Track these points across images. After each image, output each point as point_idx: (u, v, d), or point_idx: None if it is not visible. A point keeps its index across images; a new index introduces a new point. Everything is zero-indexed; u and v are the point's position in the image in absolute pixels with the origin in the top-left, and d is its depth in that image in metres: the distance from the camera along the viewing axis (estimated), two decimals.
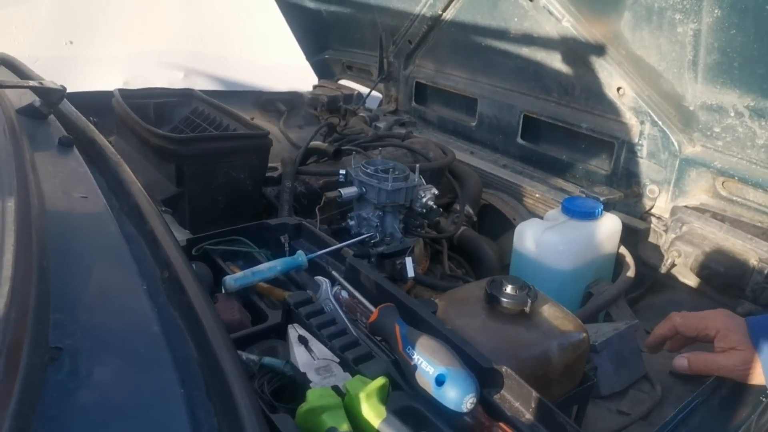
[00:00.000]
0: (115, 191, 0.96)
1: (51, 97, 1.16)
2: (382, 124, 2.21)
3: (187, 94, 1.93)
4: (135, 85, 1.96)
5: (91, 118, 1.43)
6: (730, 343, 0.96)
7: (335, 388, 0.67)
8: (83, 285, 0.69)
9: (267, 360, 0.74)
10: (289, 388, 0.72)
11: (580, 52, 1.67)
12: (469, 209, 1.70)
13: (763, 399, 0.99)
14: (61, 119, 1.23)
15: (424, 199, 1.43)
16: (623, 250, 1.48)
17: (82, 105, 1.39)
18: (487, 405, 0.70)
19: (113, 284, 0.72)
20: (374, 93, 2.49)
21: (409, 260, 1.24)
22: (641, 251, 1.57)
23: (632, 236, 1.56)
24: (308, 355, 0.73)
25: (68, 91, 1.32)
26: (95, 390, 0.54)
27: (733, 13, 1.27)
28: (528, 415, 0.69)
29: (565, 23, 1.65)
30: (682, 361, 1.00)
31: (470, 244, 1.63)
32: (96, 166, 1.04)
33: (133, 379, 0.57)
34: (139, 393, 0.56)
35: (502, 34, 1.86)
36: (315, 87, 2.63)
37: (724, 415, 0.98)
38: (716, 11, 1.30)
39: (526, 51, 1.83)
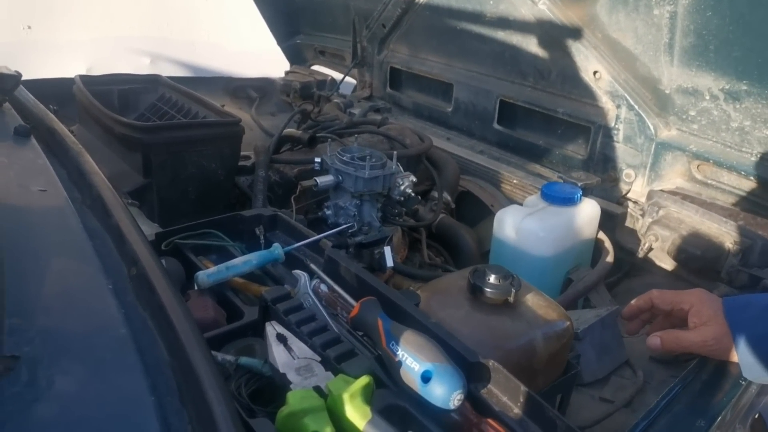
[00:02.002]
0: (77, 183, 0.90)
1: (4, 83, 1.09)
2: (356, 111, 2.17)
3: (153, 81, 1.85)
4: (98, 71, 1.87)
5: (51, 106, 1.36)
6: (702, 318, 0.96)
7: (317, 389, 0.64)
8: (42, 286, 0.65)
9: (244, 360, 0.70)
10: (268, 389, 0.69)
11: (556, 36, 1.65)
12: (447, 196, 1.68)
13: (742, 382, 1.00)
14: (18, 107, 1.16)
15: (402, 187, 1.40)
16: (602, 235, 1.48)
17: (42, 93, 1.32)
18: (474, 400, 0.68)
19: (76, 284, 0.67)
20: (348, 79, 2.44)
21: (387, 249, 1.21)
22: (618, 236, 1.58)
23: (609, 221, 1.56)
24: (288, 354, 0.69)
25: (27, 78, 1.25)
26: (56, 402, 0.50)
27: None
28: (516, 410, 0.67)
29: (541, 6, 1.63)
30: (654, 340, 1.01)
31: (449, 231, 1.61)
32: (56, 157, 0.99)
33: (98, 389, 0.53)
34: (105, 403, 0.52)
35: (477, 18, 1.83)
36: (287, 73, 2.57)
37: (705, 399, 0.99)
38: None
39: (501, 35, 1.81)
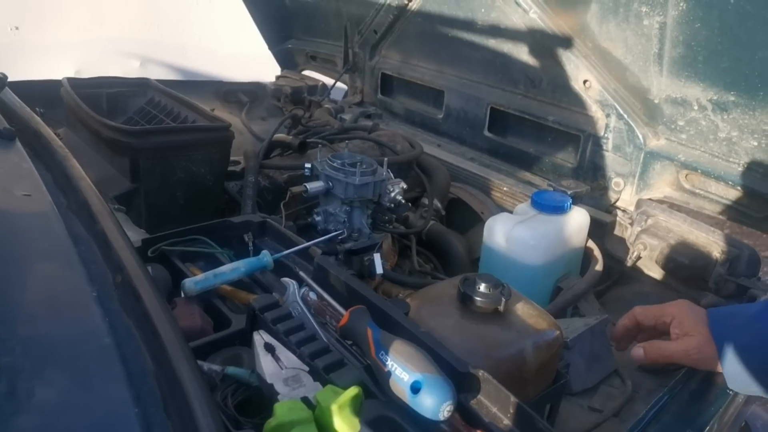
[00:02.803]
0: (63, 188, 0.89)
1: None
2: (347, 116, 2.16)
3: (142, 84, 1.83)
4: (87, 74, 1.85)
5: (37, 109, 1.34)
6: (684, 329, 0.97)
7: (305, 400, 0.63)
8: (24, 293, 0.63)
9: (230, 370, 0.69)
10: (254, 400, 0.68)
11: (547, 45, 1.66)
12: (437, 203, 1.68)
13: (729, 392, 1.00)
14: (3, 110, 1.14)
15: (392, 194, 1.39)
16: (591, 243, 1.49)
17: (28, 95, 1.29)
18: (464, 411, 0.67)
19: (59, 291, 0.66)
20: (339, 84, 2.43)
21: (377, 256, 1.21)
22: (607, 244, 1.58)
23: (598, 229, 1.57)
24: (275, 364, 0.68)
25: (13, 79, 1.23)
26: (37, 414, 0.49)
27: (698, 6, 1.28)
28: (506, 421, 0.67)
29: (533, 15, 1.64)
30: (638, 351, 1.02)
31: (439, 238, 1.60)
32: (41, 161, 0.97)
33: (81, 400, 0.52)
34: (88, 415, 0.51)
35: (469, 26, 1.84)
36: (278, 77, 2.56)
37: (693, 409, 0.99)
38: (681, 4, 1.30)
39: (493, 43, 1.82)
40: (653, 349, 1.00)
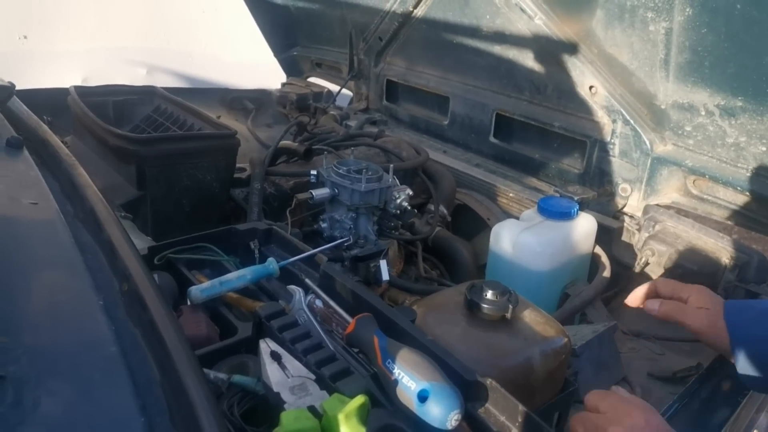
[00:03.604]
0: (69, 196, 0.89)
1: None
2: (353, 123, 2.16)
3: (149, 92, 1.84)
4: (94, 82, 1.87)
5: (45, 117, 1.35)
6: (701, 303, 0.97)
7: (311, 409, 0.63)
8: (30, 302, 0.63)
9: (237, 378, 0.69)
10: (261, 409, 0.67)
11: (553, 51, 1.66)
12: (443, 210, 1.67)
13: (740, 400, 0.99)
14: (10, 118, 1.14)
15: (398, 200, 1.39)
16: (598, 250, 1.48)
17: (36, 103, 1.30)
18: (471, 420, 0.67)
19: (65, 300, 0.66)
20: (344, 91, 2.44)
21: (383, 263, 1.20)
22: (615, 250, 1.57)
23: (605, 235, 1.56)
24: (282, 372, 0.68)
25: (21, 88, 1.23)
26: (42, 424, 0.48)
27: (704, 12, 1.27)
28: (514, 430, 0.66)
29: (538, 21, 1.64)
30: (653, 304, 1.00)
31: (445, 245, 1.60)
32: (48, 169, 0.97)
33: (86, 409, 0.51)
34: (93, 425, 0.50)
35: (474, 32, 1.84)
36: (283, 84, 2.57)
37: (703, 417, 0.98)
38: (687, 10, 1.30)
39: (498, 49, 1.82)
40: (671, 305, 0.99)
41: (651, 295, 1.04)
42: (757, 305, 0.98)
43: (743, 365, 0.89)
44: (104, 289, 0.67)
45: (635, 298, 1.05)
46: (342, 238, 1.29)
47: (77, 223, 0.81)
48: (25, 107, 1.23)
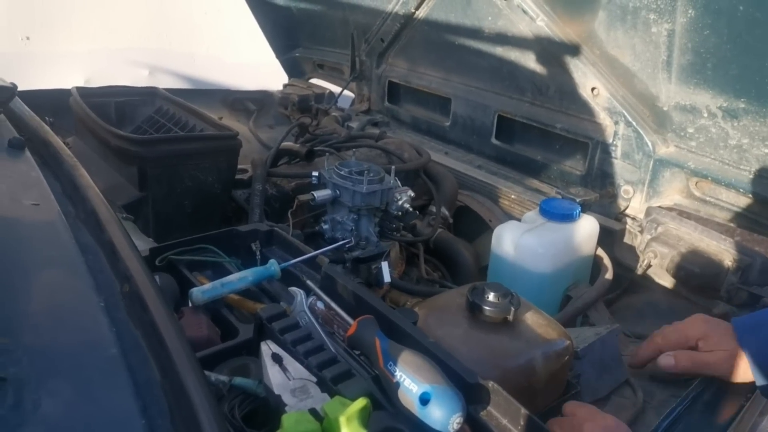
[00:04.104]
0: (71, 197, 0.89)
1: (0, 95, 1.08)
2: (354, 124, 2.16)
3: (150, 93, 1.84)
4: (96, 83, 1.87)
5: (47, 118, 1.35)
6: (713, 345, 0.97)
7: (313, 412, 0.62)
8: (31, 303, 0.63)
9: (238, 381, 0.69)
10: (262, 411, 0.67)
11: (555, 52, 1.66)
12: (445, 211, 1.67)
13: (744, 404, 0.99)
14: (12, 119, 1.14)
15: (400, 202, 1.39)
16: (600, 251, 1.47)
17: (38, 104, 1.30)
18: (473, 423, 0.66)
19: (66, 301, 0.65)
20: (346, 92, 2.44)
21: (385, 265, 1.20)
22: (617, 252, 1.57)
23: (607, 237, 1.56)
24: (283, 374, 0.68)
25: (23, 89, 1.24)
26: (43, 426, 0.48)
27: (706, 13, 1.27)
28: None
29: (540, 22, 1.64)
30: (668, 360, 1.01)
31: (447, 246, 1.60)
32: (50, 170, 0.97)
33: (87, 411, 0.51)
34: (94, 426, 0.50)
35: (475, 33, 1.84)
36: (285, 86, 2.57)
37: (706, 420, 0.97)
38: (690, 11, 1.30)
39: (500, 50, 1.82)
40: (685, 360, 0.99)
41: (656, 355, 1.04)
42: (766, 321, 0.97)
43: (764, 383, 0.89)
44: (105, 290, 0.67)
45: (641, 358, 1.06)
46: (343, 239, 1.29)
47: (78, 224, 0.81)
48: (27, 108, 1.23)
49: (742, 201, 1.43)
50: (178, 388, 0.55)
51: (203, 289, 0.88)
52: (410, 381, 0.64)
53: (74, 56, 4.44)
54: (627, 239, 1.60)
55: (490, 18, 1.76)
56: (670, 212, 1.49)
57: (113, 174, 1.46)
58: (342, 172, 1.33)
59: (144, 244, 1.09)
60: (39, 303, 0.64)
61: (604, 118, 1.63)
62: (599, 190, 1.67)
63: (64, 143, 1.09)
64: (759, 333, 0.93)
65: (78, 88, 1.66)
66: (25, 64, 3.88)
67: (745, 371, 0.94)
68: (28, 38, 4.54)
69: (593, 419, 0.74)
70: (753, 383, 0.95)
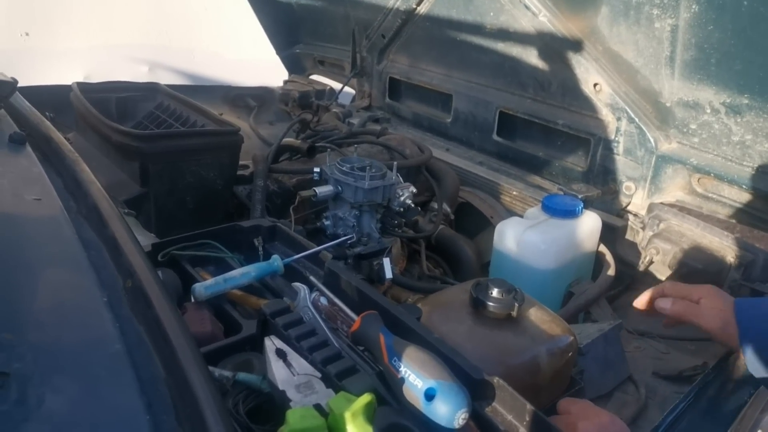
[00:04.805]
0: (73, 192, 0.89)
1: (0, 90, 1.07)
2: (355, 121, 2.16)
3: (151, 89, 1.84)
4: (97, 79, 1.86)
5: (47, 114, 1.34)
6: (713, 304, 0.97)
7: (317, 407, 0.62)
8: (35, 299, 0.63)
9: (242, 376, 0.68)
10: (266, 407, 0.66)
11: (557, 48, 1.65)
12: (446, 208, 1.67)
13: (746, 399, 0.99)
14: (13, 114, 1.14)
15: (402, 198, 1.39)
16: (603, 248, 1.47)
17: (38, 99, 1.30)
18: (478, 419, 0.66)
19: (69, 297, 0.65)
20: (347, 88, 2.43)
21: (387, 261, 1.19)
22: (619, 248, 1.56)
23: (610, 233, 1.55)
24: (287, 370, 0.67)
25: (24, 84, 1.23)
26: (47, 422, 0.48)
27: (710, 8, 1.26)
28: (522, 429, 0.65)
29: (542, 18, 1.63)
30: (665, 302, 1.00)
31: (448, 243, 1.59)
32: (51, 165, 0.97)
33: (91, 407, 0.51)
34: (98, 423, 0.50)
35: (477, 29, 1.83)
36: (286, 82, 2.57)
37: (708, 417, 0.97)
38: (694, 7, 1.29)
39: (501, 46, 1.81)
40: (681, 304, 0.99)
41: (657, 295, 1.04)
42: (766, 302, 0.97)
43: (753, 362, 0.89)
44: (108, 286, 0.67)
45: (643, 300, 1.05)
46: (345, 235, 1.29)
47: (81, 220, 0.81)
48: (27, 103, 1.22)
49: (745, 197, 1.43)
50: (182, 383, 0.55)
51: (206, 285, 0.87)
52: (415, 376, 0.64)
53: (74, 52, 4.43)
54: (629, 235, 1.60)
55: (492, 13, 1.76)
56: (672, 208, 1.48)
57: (114, 170, 1.46)
58: (344, 168, 1.33)
59: (146, 239, 1.09)
60: (42, 299, 0.63)
61: (606, 115, 1.63)
62: (601, 186, 1.66)
63: (65, 139, 1.08)
64: (755, 310, 0.93)
65: (78, 84, 1.65)
66: (24, 60, 3.87)
67: (732, 339, 0.93)
68: (27, 34, 4.53)
69: (587, 416, 0.74)
70: (752, 377, 0.95)
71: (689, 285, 1.03)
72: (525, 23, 1.68)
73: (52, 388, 0.51)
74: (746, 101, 1.31)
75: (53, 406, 0.50)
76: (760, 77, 1.27)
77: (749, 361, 0.90)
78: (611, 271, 1.41)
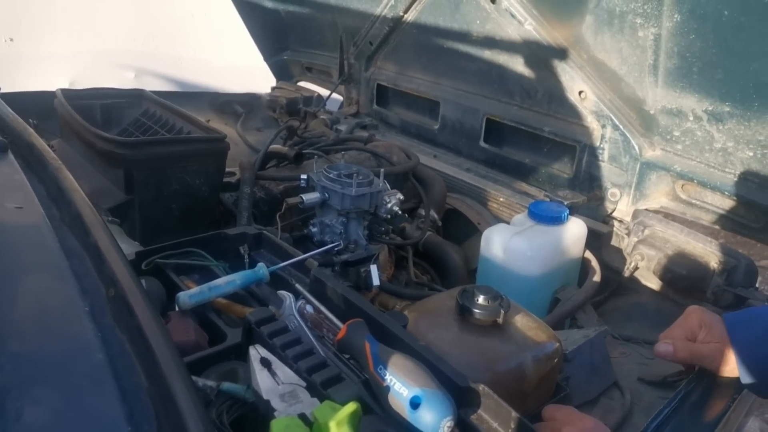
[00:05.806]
0: (56, 200, 0.88)
1: None
2: (343, 127, 2.16)
3: (137, 95, 1.82)
4: (82, 85, 1.84)
5: (30, 120, 1.33)
6: (713, 337, 0.99)
7: (302, 417, 0.62)
8: (15, 308, 0.62)
9: (226, 386, 0.68)
10: (250, 417, 0.66)
11: (543, 56, 1.67)
12: (434, 214, 1.67)
13: (731, 404, 1.00)
14: None
15: (389, 205, 1.39)
16: (588, 254, 1.48)
17: (21, 106, 1.28)
18: (464, 427, 0.66)
19: (51, 306, 0.64)
20: (335, 95, 2.44)
21: (374, 268, 1.20)
22: (604, 255, 1.58)
23: (595, 240, 1.57)
24: (272, 379, 0.67)
25: (7, 90, 1.22)
26: None
27: (692, 18, 1.28)
28: None
29: (528, 26, 1.65)
30: (666, 347, 1.02)
31: (436, 249, 1.60)
32: (34, 173, 0.95)
33: (72, 418, 0.50)
34: None
35: (464, 37, 1.85)
36: (273, 89, 2.56)
37: (692, 421, 0.98)
38: (676, 16, 1.31)
39: (488, 54, 1.82)
40: (684, 349, 1.00)
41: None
42: (757, 319, 0.98)
43: (755, 389, 0.90)
44: (91, 295, 0.66)
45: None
46: (332, 242, 1.28)
47: (63, 228, 0.80)
48: (9, 110, 1.21)
49: (727, 203, 1.45)
50: (165, 393, 0.54)
51: (190, 293, 0.87)
52: (400, 385, 0.64)
53: (58, 58, 4.39)
54: (614, 242, 1.61)
55: (478, 22, 1.77)
56: (656, 215, 1.50)
57: (99, 177, 1.45)
58: (331, 175, 1.33)
59: (130, 247, 1.08)
60: (23, 308, 0.62)
61: (591, 122, 1.65)
62: (587, 193, 1.68)
63: (49, 146, 1.07)
64: (749, 331, 0.94)
65: (63, 90, 1.64)
66: (8, 66, 3.83)
67: (733, 368, 0.96)
68: (11, 39, 4.48)
69: (572, 422, 0.75)
70: (738, 380, 0.96)
71: (679, 323, 1.04)
72: (511, 31, 1.70)
73: (32, 400, 0.50)
74: (728, 109, 1.33)
75: (33, 418, 0.49)
76: (741, 86, 1.29)
77: (750, 387, 0.92)
78: (597, 277, 1.42)
